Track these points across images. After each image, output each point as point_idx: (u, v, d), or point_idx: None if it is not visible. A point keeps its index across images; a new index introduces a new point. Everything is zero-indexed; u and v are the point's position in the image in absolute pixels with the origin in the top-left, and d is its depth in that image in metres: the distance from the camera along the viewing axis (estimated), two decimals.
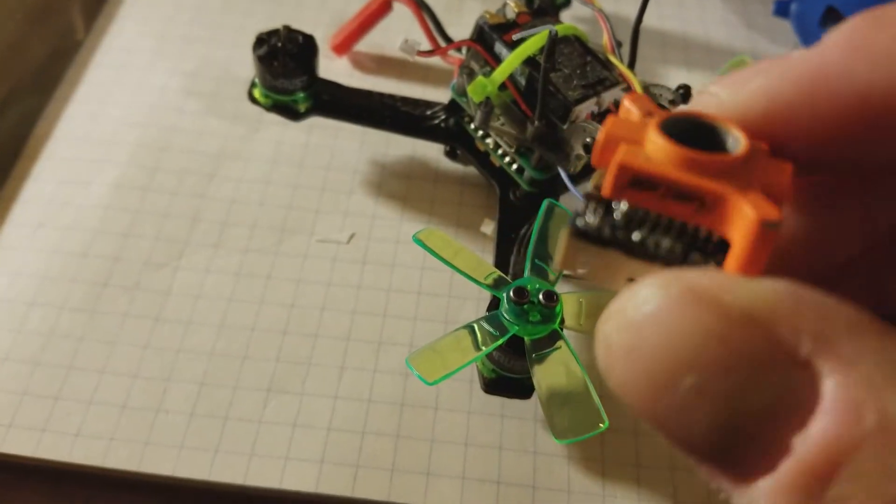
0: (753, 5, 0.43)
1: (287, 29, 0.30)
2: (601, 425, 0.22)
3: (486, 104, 0.28)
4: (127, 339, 0.28)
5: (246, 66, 0.37)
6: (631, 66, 0.29)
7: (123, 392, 0.27)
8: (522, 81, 0.28)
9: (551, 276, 0.25)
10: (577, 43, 0.29)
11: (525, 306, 0.24)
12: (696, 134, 0.11)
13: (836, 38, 0.10)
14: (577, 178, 0.28)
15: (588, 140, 0.27)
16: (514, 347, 0.24)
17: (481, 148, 0.31)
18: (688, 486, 0.26)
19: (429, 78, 0.38)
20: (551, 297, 0.24)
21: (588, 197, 0.11)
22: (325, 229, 0.32)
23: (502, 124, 0.29)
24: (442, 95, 0.33)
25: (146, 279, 0.30)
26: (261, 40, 0.30)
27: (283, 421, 0.27)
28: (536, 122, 0.28)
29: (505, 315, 0.24)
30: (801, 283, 0.09)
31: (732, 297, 0.09)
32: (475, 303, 0.30)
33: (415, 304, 0.30)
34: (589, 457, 0.27)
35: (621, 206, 0.11)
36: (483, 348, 0.23)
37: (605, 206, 0.11)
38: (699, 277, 0.09)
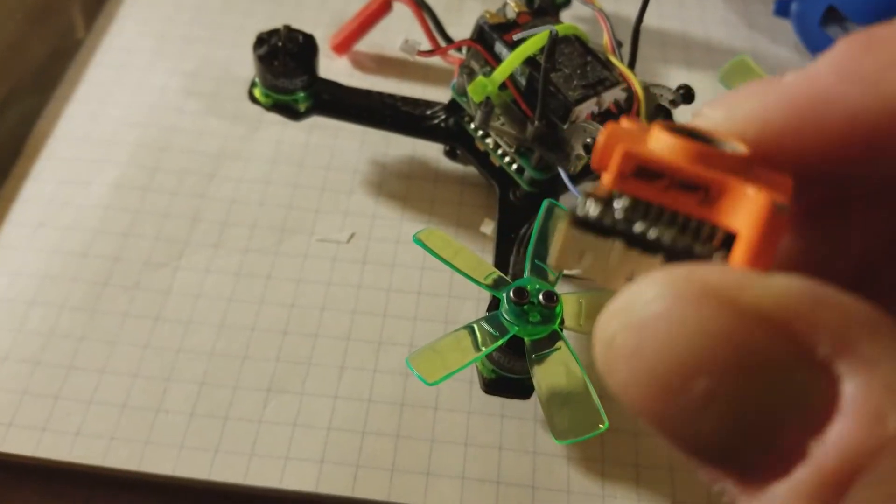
0: (754, 5, 0.43)
1: (287, 29, 0.30)
2: (601, 426, 0.22)
3: (487, 104, 0.28)
4: (127, 338, 0.28)
5: (246, 66, 0.37)
6: (631, 66, 0.29)
7: (123, 392, 0.27)
8: (523, 81, 0.28)
9: (551, 277, 0.25)
10: (577, 43, 0.29)
11: (525, 307, 0.24)
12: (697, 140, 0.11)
13: (827, 62, 0.10)
14: (577, 179, 0.28)
15: (588, 140, 0.27)
16: (514, 348, 0.24)
17: (481, 148, 0.31)
18: (687, 486, 0.26)
19: (429, 78, 0.38)
20: (551, 297, 0.24)
21: (587, 194, 0.11)
22: (325, 229, 0.32)
23: (502, 124, 0.29)
24: (442, 95, 0.33)
25: (146, 279, 0.30)
26: (261, 40, 0.30)
27: (284, 421, 0.27)
28: (537, 122, 0.28)
29: (505, 315, 0.24)
30: (816, 280, 0.09)
31: (747, 296, 0.09)
32: (475, 303, 0.30)
33: (415, 304, 0.30)
34: (589, 457, 0.27)
35: (622, 201, 0.10)
36: (483, 349, 0.23)
37: (606, 201, 0.10)
38: (710, 274, 0.09)
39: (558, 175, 0.28)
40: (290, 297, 0.30)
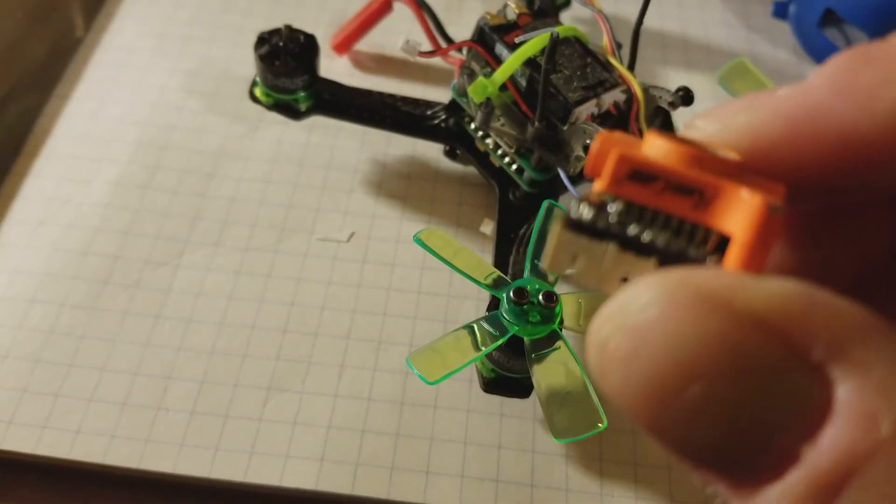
0: (752, 6, 0.43)
1: (289, 28, 0.30)
2: (600, 425, 0.22)
3: (487, 105, 0.29)
4: (127, 336, 0.28)
5: (246, 66, 0.37)
6: (631, 67, 0.29)
7: (124, 390, 0.27)
8: (523, 82, 0.28)
9: (551, 277, 0.25)
10: (577, 44, 0.29)
11: (525, 307, 0.24)
12: None
13: (821, 77, 0.10)
14: (576, 180, 0.28)
15: (588, 142, 0.27)
16: (514, 347, 0.24)
17: (481, 148, 0.32)
18: (684, 484, 0.26)
19: (429, 78, 0.38)
20: (551, 297, 0.24)
21: (580, 197, 0.11)
22: (326, 228, 0.32)
23: (502, 125, 0.29)
24: (442, 95, 0.33)
25: (146, 277, 0.30)
26: (262, 39, 0.30)
27: (284, 419, 0.27)
28: (537, 123, 0.28)
29: (505, 315, 0.24)
30: (811, 284, 0.09)
31: (741, 299, 0.09)
32: (475, 302, 0.30)
33: (415, 303, 0.30)
34: (587, 455, 0.27)
35: (616, 205, 0.10)
36: (483, 348, 0.23)
37: (599, 204, 0.10)
38: (705, 277, 0.09)
39: (558, 176, 0.29)
40: (291, 295, 0.30)
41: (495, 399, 0.28)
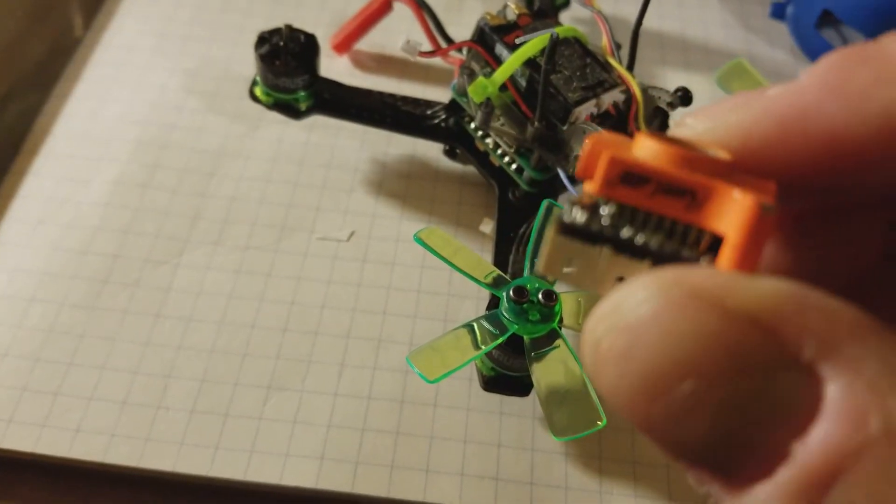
0: (751, 7, 0.43)
1: (289, 28, 0.30)
2: (599, 423, 0.22)
3: (487, 105, 0.29)
4: (127, 335, 0.28)
5: (246, 65, 0.37)
6: (630, 68, 0.29)
7: (124, 388, 0.27)
8: (523, 83, 0.28)
9: (549, 277, 0.25)
10: (577, 45, 0.29)
11: (524, 305, 0.24)
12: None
13: (812, 77, 0.10)
14: (576, 179, 0.29)
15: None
16: (514, 346, 0.24)
17: (481, 148, 0.32)
18: (683, 482, 0.26)
19: (429, 77, 0.38)
20: (550, 296, 0.24)
21: (573, 201, 0.11)
22: (326, 227, 0.32)
23: (502, 125, 0.29)
24: (442, 95, 0.33)
25: (146, 276, 0.30)
26: (263, 39, 0.30)
27: (284, 417, 0.27)
28: (536, 123, 0.28)
29: (504, 314, 0.24)
30: (802, 283, 0.09)
31: (734, 298, 0.09)
32: (474, 301, 0.30)
33: (414, 302, 0.30)
34: (586, 453, 0.27)
35: (609, 207, 0.10)
36: (483, 347, 0.24)
37: (592, 207, 0.10)
38: (698, 276, 0.09)
39: (557, 175, 0.29)
40: (291, 294, 0.30)
41: (495, 397, 0.28)
